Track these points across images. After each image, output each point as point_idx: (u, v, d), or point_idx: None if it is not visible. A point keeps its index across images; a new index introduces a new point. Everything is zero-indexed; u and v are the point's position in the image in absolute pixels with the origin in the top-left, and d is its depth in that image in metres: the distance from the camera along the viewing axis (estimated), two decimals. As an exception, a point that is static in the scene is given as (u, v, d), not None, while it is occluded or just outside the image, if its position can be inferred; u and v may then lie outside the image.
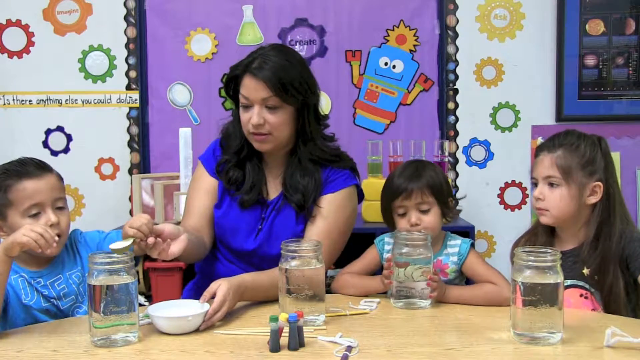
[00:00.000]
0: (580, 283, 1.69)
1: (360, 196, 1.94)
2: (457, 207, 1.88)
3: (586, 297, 1.68)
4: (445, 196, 1.80)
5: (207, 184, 1.93)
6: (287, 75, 1.76)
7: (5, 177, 1.63)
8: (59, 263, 1.68)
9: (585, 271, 1.68)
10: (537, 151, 1.77)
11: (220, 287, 1.55)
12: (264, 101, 1.76)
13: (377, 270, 1.89)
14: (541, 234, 1.79)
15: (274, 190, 1.89)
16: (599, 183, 1.69)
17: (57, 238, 1.49)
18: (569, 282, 1.67)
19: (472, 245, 1.82)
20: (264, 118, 1.77)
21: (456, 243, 1.82)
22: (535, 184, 1.76)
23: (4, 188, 1.62)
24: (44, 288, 1.65)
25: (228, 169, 1.89)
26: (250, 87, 1.77)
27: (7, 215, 1.63)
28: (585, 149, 1.70)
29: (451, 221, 1.90)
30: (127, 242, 1.48)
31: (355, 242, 1.96)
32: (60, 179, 1.71)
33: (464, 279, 1.85)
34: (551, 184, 1.70)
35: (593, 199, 1.70)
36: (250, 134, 1.81)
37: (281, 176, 1.88)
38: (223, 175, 1.90)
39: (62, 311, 1.66)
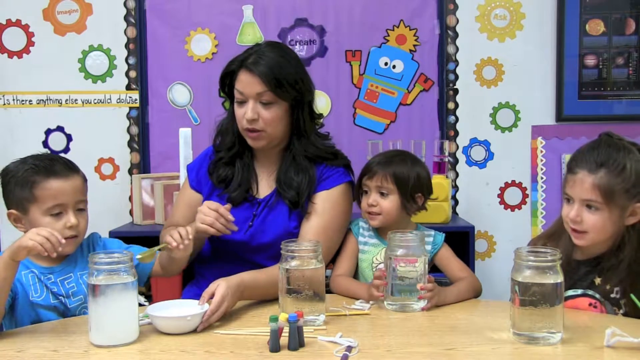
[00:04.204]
0: (590, 292, 1.65)
1: (355, 195, 1.95)
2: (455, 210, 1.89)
3: (595, 307, 1.64)
4: (408, 189, 1.85)
5: (188, 197, 1.98)
6: (282, 71, 1.78)
7: (33, 172, 1.63)
8: (71, 261, 1.68)
9: (597, 280, 1.64)
10: (573, 166, 1.61)
11: (219, 287, 1.55)
12: (258, 96, 1.78)
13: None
14: (562, 239, 1.68)
15: (265, 187, 1.90)
16: None
17: (63, 241, 1.48)
18: (579, 291, 1.65)
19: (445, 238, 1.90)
20: (258, 113, 1.79)
21: (430, 233, 1.89)
22: (568, 200, 1.63)
23: (30, 183, 1.62)
24: (54, 285, 1.65)
25: (219, 167, 1.91)
26: (245, 82, 1.79)
27: (28, 210, 1.63)
28: (632, 170, 1.55)
29: (414, 215, 1.93)
30: (154, 249, 1.55)
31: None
32: (85, 180, 1.72)
33: (430, 268, 1.89)
34: (589, 206, 1.57)
35: (632, 220, 1.59)
36: (245, 130, 1.83)
37: (275, 173, 1.89)
38: (214, 174, 1.91)
39: (69, 310, 1.65)
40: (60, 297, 1.64)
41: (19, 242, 1.45)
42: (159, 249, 1.62)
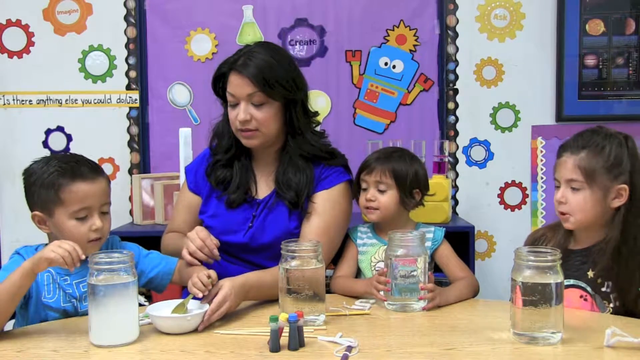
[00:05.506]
0: (582, 284, 1.66)
1: (354, 192, 1.96)
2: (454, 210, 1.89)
3: (585, 299, 1.65)
4: (407, 185, 1.86)
5: (187, 200, 1.98)
6: (271, 71, 1.78)
7: (59, 175, 1.61)
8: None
9: (590, 273, 1.65)
10: (560, 151, 1.68)
11: (222, 287, 1.56)
12: (249, 97, 1.79)
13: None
14: (560, 230, 1.72)
15: (264, 188, 1.91)
16: (625, 186, 1.61)
17: (83, 257, 1.48)
18: (571, 281, 1.66)
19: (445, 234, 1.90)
20: (251, 114, 1.79)
21: (429, 230, 1.89)
22: (557, 186, 1.68)
23: (57, 186, 1.60)
24: (69, 286, 1.64)
25: (217, 169, 1.91)
26: (236, 84, 1.80)
27: (54, 213, 1.61)
28: (611, 151, 1.61)
29: (412, 210, 1.93)
30: (185, 305, 1.54)
31: (355, 242, 1.96)
32: (109, 182, 1.72)
33: (433, 266, 1.89)
34: (574, 188, 1.63)
35: (617, 202, 1.62)
36: (238, 131, 1.83)
37: (273, 174, 1.89)
38: (212, 175, 1.92)
39: (78, 314, 1.64)
40: (73, 300, 1.64)
41: (40, 253, 1.46)
42: (187, 301, 1.58)
